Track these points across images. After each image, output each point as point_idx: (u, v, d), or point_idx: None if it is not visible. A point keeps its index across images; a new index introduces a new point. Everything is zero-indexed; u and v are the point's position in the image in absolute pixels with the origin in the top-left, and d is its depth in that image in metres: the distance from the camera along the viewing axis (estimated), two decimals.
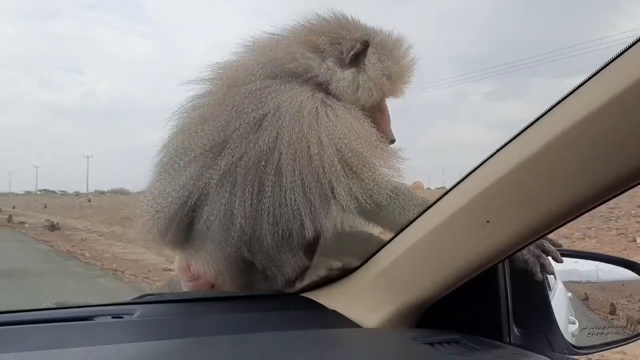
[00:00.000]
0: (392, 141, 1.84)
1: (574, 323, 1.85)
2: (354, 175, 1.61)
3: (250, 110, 1.62)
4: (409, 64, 1.90)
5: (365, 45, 1.79)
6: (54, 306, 1.76)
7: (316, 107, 1.66)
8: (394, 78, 1.85)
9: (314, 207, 1.58)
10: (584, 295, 2.05)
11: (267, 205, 1.57)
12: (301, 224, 1.58)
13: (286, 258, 1.65)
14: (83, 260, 14.64)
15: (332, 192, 1.59)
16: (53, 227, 23.76)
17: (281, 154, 1.57)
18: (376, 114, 1.83)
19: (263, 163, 1.58)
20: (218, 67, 1.84)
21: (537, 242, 1.39)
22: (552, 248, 1.44)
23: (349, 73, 1.78)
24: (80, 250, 16.88)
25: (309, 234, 1.59)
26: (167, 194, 1.68)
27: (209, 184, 1.62)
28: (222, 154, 1.61)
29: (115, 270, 12.68)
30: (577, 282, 2.06)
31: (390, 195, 1.63)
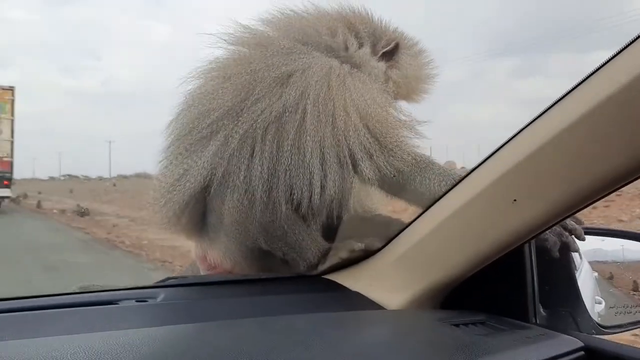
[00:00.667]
0: None
1: (600, 303, 1.83)
2: (376, 142, 1.57)
3: (280, 65, 1.59)
4: (431, 73, 1.97)
5: (397, 46, 1.85)
6: (79, 290, 1.77)
7: (344, 73, 1.64)
8: (420, 81, 1.93)
9: (331, 173, 1.54)
10: (608, 274, 2.02)
11: (284, 167, 1.53)
12: (313, 189, 1.54)
13: (306, 244, 1.62)
14: (125, 249, 13.72)
15: (352, 159, 1.56)
16: (82, 213, 23.45)
17: (305, 112, 1.54)
18: None
19: (285, 119, 1.53)
20: (244, 29, 1.78)
21: None
22: (576, 226, 1.39)
23: (382, 64, 1.82)
24: (117, 237, 15.97)
25: (318, 199, 1.54)
26: (190, 175, 1.62)
27: (230, 152, 1.56)
28: (244, 111, 1.56)
29: (163, 262, 11.68)
30: (603, 262, 2.02)
31: (412, 163, 1.59)
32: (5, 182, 23.22)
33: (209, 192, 1.63)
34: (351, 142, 1.54)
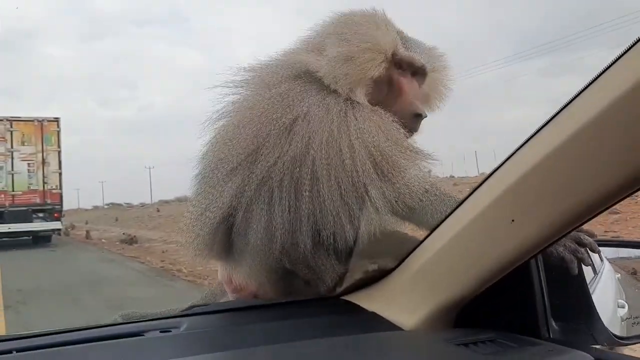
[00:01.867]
0: (420, 115, 1.70)
1: (623, 307, 1.76)
2: (385, 179, 1.56)
3: (279, 116, 1.58)
4: (443, 78, 1.86)
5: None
6: (120, 319, 1.80)
7: (343, 109, 1.60)
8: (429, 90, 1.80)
9: (353, 210, 1.54)
10: (631, 269, 1.95)
11: (306, 212, 1.53)
12: (343, 228, 1.54)
13: (325, 268, 1.62)
14: (185, 279, 12.56)
15: (368, 195, 1.54)
16: (131, 241, 22.51)
17: (314, 159, 1.53)
18: (387, 89, 1.72)
19: (298, 168, 1.54)
20: (248, 70, 1.79)
21: (573, 235, 1.31)
22: (589, 240, 1.35)
23: (322, 58, 1.67)
24: (171, 264, 14.72)
25: (351, 237, 1.56)
26: (211, 211, 1.65)
27: (249, 197, 1.58)
28: (257, 162, 1.57)
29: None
30: (626, 259, 1.95)
31: (422, 200, 1.58)
32: (56, 215, 22.40)
33: (233, 221, 1.65)
34: (364, 181, 1.53)
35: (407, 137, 1.67)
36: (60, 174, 22.71)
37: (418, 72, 1.76)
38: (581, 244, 1.33)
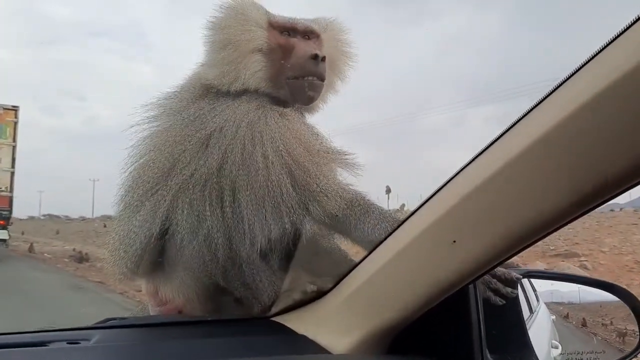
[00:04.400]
0: (317, 56, 1.66)
1: (556, 347, 1.75)
2: (305, 190, 1.53)
3: (194, 133, 1.56)
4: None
5: None
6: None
7: (254, 120, 1.58)
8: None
9: (279, 220, 1.51)
10: (565, 313, 1.97)
11: (229, 221, 1.50)
12: (266, 237, 1.51)
13: (263, 285, 1.55)
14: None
15: (290, 207, 1.52)
16: (82, 259, 18.69)
17: (232, 172, 1.50)
18: (282, 55, 1.70)
19: (216, 179, 1.51)
20: (157, 104, 1.75)
21: (496, 272, 1.31)
22: (503, 271, 1.35)
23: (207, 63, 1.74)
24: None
25: (284, 249, 1.53)
26: (132, 231, 1.59)
27: (168, 210, 1.54)
28: (173, 176, 1.54)
29: None
30: (560, 303, 1.98)
31: (343, 207, 1.53)
32: (2, 222, 17.79)
33: (167, 237, 1.58)
34: (283, 192, 1.51)
35: (323, 144, 1.66)
36: (12, 173, 18.13)
37: (308, 34, 1.76)
38: (494, 275, 1.34)
